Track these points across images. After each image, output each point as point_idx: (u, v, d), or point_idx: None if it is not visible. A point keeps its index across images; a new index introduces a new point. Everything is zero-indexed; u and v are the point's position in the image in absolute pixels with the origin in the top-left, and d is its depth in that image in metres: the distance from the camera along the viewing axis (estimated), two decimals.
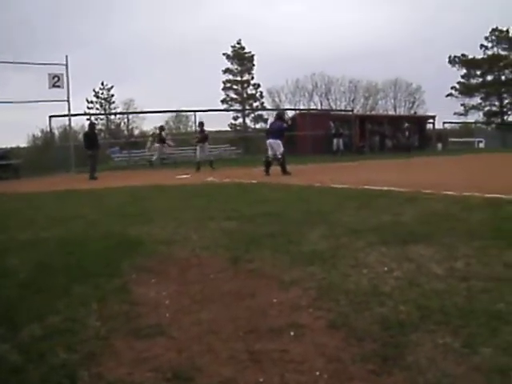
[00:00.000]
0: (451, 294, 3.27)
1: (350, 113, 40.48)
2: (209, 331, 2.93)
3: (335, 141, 32.44)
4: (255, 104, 57.71)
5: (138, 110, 50.20)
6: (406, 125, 38.82)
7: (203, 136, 20.06)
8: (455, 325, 2.76)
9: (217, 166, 20.31)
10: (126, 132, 42.98)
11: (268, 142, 16.07)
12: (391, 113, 56.65)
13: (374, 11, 77.87)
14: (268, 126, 17.34)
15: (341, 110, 50.94)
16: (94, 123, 25.81)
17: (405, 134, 37.35)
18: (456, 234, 5.01)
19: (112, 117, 53.30)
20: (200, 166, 19.42)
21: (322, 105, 57.38)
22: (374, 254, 4.40)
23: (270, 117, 52.78)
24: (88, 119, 42.04)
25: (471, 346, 2.52)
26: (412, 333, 2.71)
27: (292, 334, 2.84)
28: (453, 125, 51.04)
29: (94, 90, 54.83)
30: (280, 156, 15.64)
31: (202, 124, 21.76)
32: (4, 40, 60.58)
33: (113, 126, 51.85)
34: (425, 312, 2.98)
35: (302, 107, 52.85)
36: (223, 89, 57.72)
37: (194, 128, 30.53)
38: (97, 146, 19.83)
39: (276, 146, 15.71)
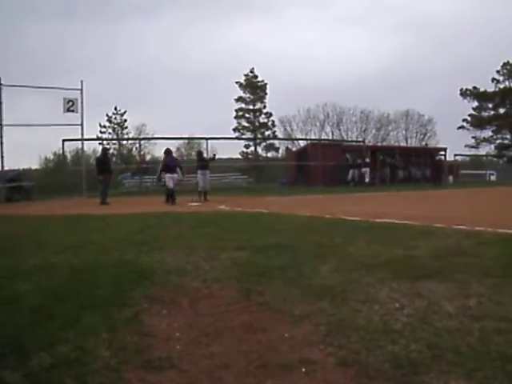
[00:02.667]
0: (464, 333, 3.23)
1: (362, 143, 40.54)
2: (220, 365, 2.92)
3: (351, 172, 32.80)
4: (267, 133, 57.99)
5: (150, 135, 50.56)
6: (439, 157, 39.10)
7: (203, 164, 20.13)
8: (469, 367, 2.71)
9: (228, 194, 20.34)
10: (137, 157, 43.19)
11: (171, 176, 18.67)
12: (403, 144, 56.73)
13: (386, 42, 78.44)
14: (167, 163, 19.30)
15: (352, 141, 51.05)
16: (107, 148, 26.05)
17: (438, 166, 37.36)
18: (468, 270, 4.96)
19: (124, 142, 53.70)
20: (201, 195, 19.52)
21: (333, 135, 57.55)
22: (385, 290, 4.37)
23: (282, 145, 53.27)
24: (100, 143, 42.45)
25: None
26: (424, 373, 2.68)
27: (303, 370, 2.82)
28: (464, 157, 51.07)
29: (106, 115, 55.31)
30: (172, 187, 18.66)
31: (200, 153, 22.04)
32: (20, 64, 61.52)
33: (125, 151, 52.18)
34: (437, 351, 2.95)
35: (313, 137, 53.11)
36: (235, 117, 58.08)
37: (205, 155, 30.64)
38: (109, 171, 19.96)
39: (174, 180, 18.76)
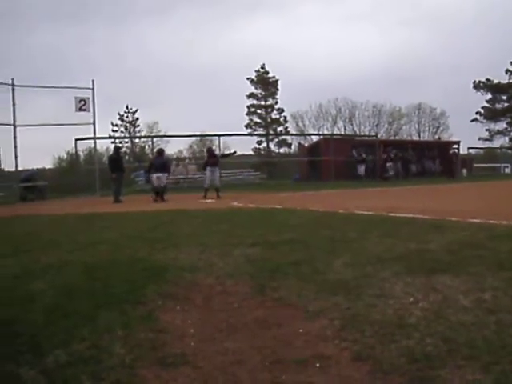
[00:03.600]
0: (479, 327, 3.20)
1: (374, 138, 40.44)
2: (234, 361, 2.91)
3: (359, 166, 33.23)
4: (279, 129, 57.95)
5: (162, 133, 50.77)
6: (453, 151, 39.34)
7: (213, 161, 20.14)
8: (485, 361, 2.68)
9: (241, 190, 20.36)
10: (150, 155, 43.35)
11: (155, 175, 19.62)
12: (415, 138, 56.48)
13: (396, 36, 78.11)
14: (153, 162, 20.81)
15: (365, 136, 50.92)
16: (119, 147, 26.20)
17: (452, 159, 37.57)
18: (483, 263, 4.92)
19: (136, 140, 53.90)
20: (206, 192, 19.42)
21: (345, 129, 57.40)
22: (400, 284, 4.34)
23: (294, 141, 53.22)
24: (113, 142, 42.65)
25: None
26: (440, 367, 2.65)
27: (318, 365, 2.81)
28: (477, 150, 50.70)
29: (118, 114, 55.58)
30: (163, 186, 19.70)
31: (210, 149, 22.24)
32: (31, 64, 61.94)
33: (137, 149, 52.39)
34: (452, 345, 2.92)
35: (325, 132, 52.94)
36: (247, 113, 58.11)
37: (218, 152, 30.71)
38: (122, 169, 20.06)
39: (163, 179, 19.70)
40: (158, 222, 10.06)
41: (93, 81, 23.43)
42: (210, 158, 20.45)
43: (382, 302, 3.88)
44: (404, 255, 5.50)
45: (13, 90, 22.33)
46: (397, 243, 6.24)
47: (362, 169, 33.70)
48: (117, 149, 22.47)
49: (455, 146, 40.68)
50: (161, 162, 20.37)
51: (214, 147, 28.19)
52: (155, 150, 22.32)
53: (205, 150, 30.02)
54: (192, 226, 9.29)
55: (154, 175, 19.66)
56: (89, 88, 23.43)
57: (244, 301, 4.14)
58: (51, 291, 4.54)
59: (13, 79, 22.39)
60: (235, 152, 25.50)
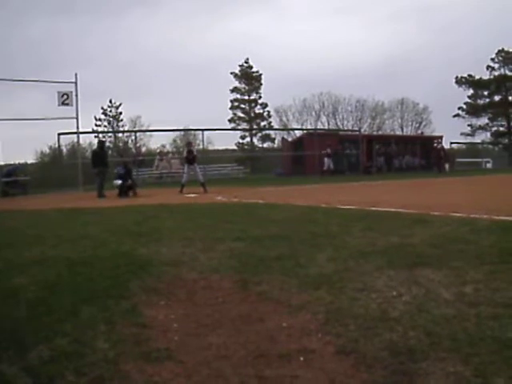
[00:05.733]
0: (461, 320, 3.23)
1: (357, 133, 40.62)
2: (218, 356, 2.91)
3: (326, 160, 33.24)
4: (262, 123, 58.01)
5: (145, 127, 50.56)
6: (441, 145, 39.60)
7: (191, 157, 20.04)
8: (466, 352, 2.71)
9: (224, 185, 20.35)
10: (133, 150, 43.13)
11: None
12: (398, 133, 56.83)
13: (380, 31, 78.37)
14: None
15: (348, 130, 51.10)
16: (103, 141, 26.04)
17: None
18: (465, 257, 4.97)
19: (120, 134, 53.62)
20: (183, 188, 19.50)
21: (329, 124, 57.56)
22: (382, 278, 4.37)
23: (278, 136, 53.30)
24: (96, 136, 42.39)
25: (483, 375, 2.47)
26: (422, 360, 2.68)
27: (301, 359, 2.82)
28: (459, 145, 51.16)
29: (102, 108, 55.19)
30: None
31: (189, 144, 22.04)
32: (14, 59, 61.33)
33: (120, 144, 52.13)
34: (434, 338, 2.95)
35: (309, 127, 53.09)
36: (231, 108, 58.06)
37: (201, 146, 30.68)
38: (105, 164, 19.97)
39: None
40: (142, 217, 10.02)
41: (75, 74, 23.28)
42: (188, 153, 20.38)
43: (365, 295, 3.90)
44: (387, 249, 5.53)
45: None
46: (379, 237, 6.28)
47: (328, 163, 33.60)
48: (101, 143, 22.33)
49: (441, 140, 41.11)
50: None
51: (197, 141, 28.06)
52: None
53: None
54: (176, 220, 9.28)
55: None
56: (72, 82, 23.26)
57: (228, 295, 4.14)
58: (34, 286, 4.51)
59: None
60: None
